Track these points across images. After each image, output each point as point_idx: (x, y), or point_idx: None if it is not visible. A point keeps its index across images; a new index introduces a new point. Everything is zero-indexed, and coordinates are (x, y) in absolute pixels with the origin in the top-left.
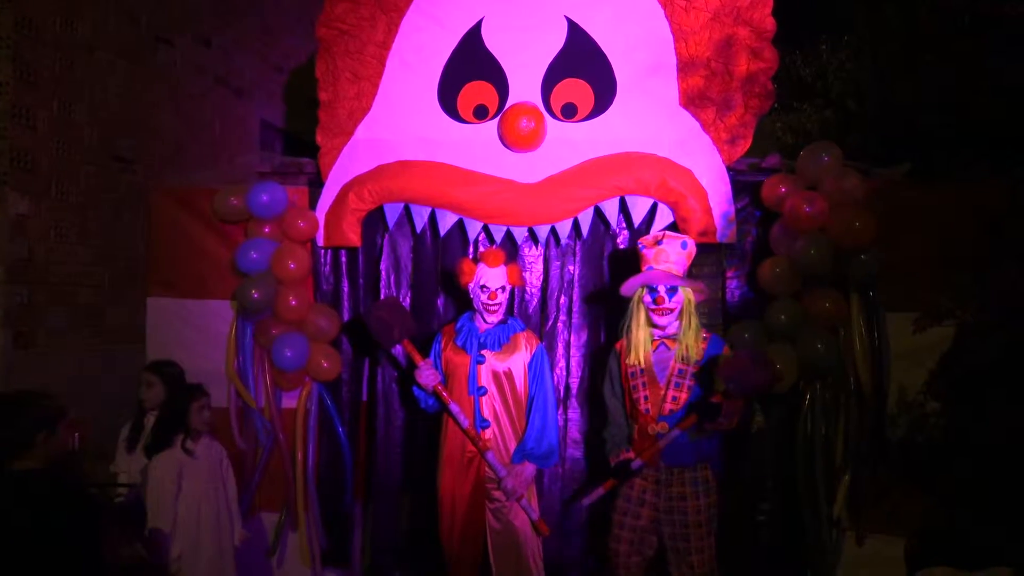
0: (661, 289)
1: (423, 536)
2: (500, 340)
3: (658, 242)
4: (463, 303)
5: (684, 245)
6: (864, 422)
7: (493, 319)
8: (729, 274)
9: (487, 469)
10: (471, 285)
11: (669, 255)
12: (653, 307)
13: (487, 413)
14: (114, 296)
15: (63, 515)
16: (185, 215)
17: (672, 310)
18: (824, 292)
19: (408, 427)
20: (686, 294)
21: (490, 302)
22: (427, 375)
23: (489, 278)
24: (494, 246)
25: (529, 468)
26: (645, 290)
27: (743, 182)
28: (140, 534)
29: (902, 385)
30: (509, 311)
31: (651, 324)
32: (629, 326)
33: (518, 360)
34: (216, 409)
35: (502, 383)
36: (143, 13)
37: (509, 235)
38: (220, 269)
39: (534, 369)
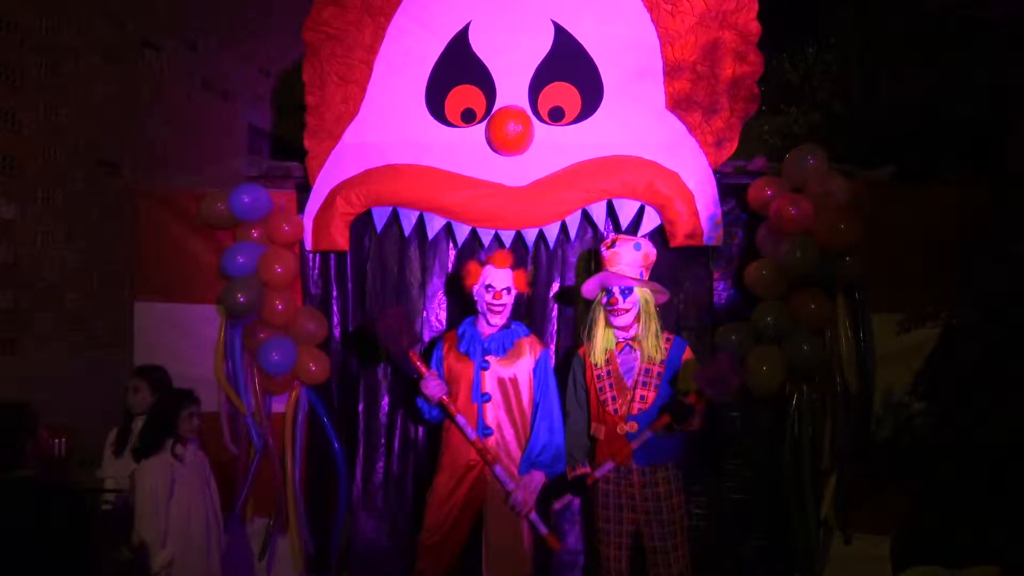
0: (615, 290)
1: (406, 541)
2: (504, 345)
3: (611, 246)
4: (452, 307)
5: (637, 247)
6: (850, 423)
7: (497, 321)
8: (716, 276)
9: (489, 476)
10: (476, 287)
11: (622, 257)
12: (609, 308)
13: (490, 421)
14: (101, 301)
15: (59, 521)
16: (172, 219)
17: (627, 310)
18: (810, 294)
19: (389, 432)
20: (643, 295)
21: (495, 302)
22: (433, 386)
23: (495, 278)
24: (503, 249)
25: (537, 477)
26: (603, 292)
27: (729, 185)
28: (128, 540)
29: (888, 386)
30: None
31: (611, 325)
32: (591, 329)
33: (523, 366)
34: (206, 414)
35: (507, 390)
36: (129, 17)
37: (498, 239)
38: (208, 273)
39: (539, 375)
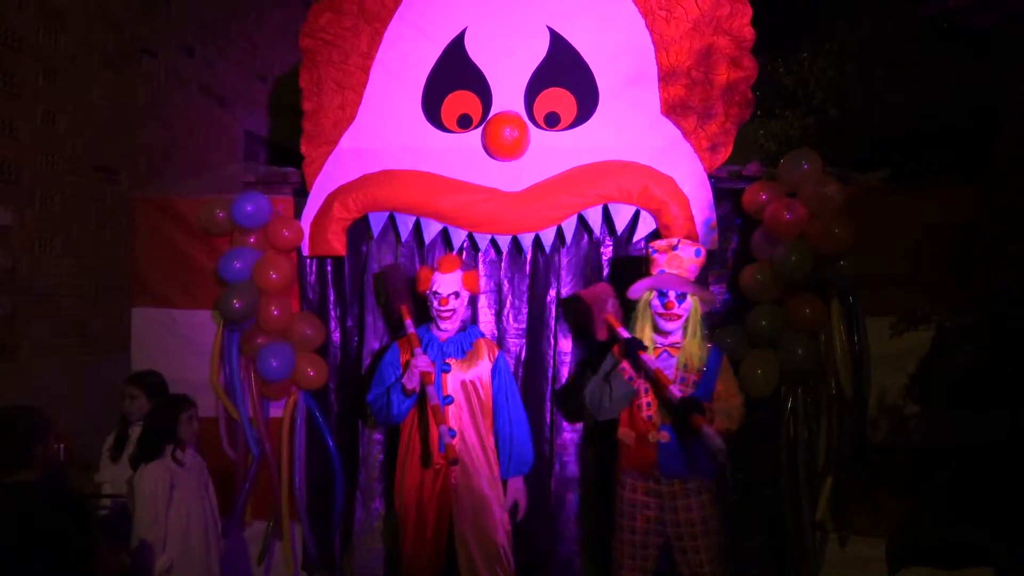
0: (671, 294)
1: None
2: (463, 347)
3: (673, 247)
4: None
5: (698, 253)
6: (845, 426)
7: (446, 326)
8: (711, 280)
9: (453, 478)
10: (427, 292)
11: (683, 260)
12: (662, 311)
13: (453, 423)
14: (99, 307)
15: (63, 526)
16: (170, 225)
17: (680, 316)
18: (804, 298)
19: (389, 438)
20: (694, 302)
21: (441, 308)
22: (424, 362)
23: (441, 284)
24: (453, 252)
25: (517, 484)
26: (654, 294)
27: (724, 189)
28: (126, 545)
29: (882, 389)
30: (496, 319)
31: (656, 330)
32: (632, 331)
33: (483, 367)
34: (204, 419)
35: (468, 392)
36: (126, 24)
37: (494, 243)
38: (205, 279)
39: (499, 375)
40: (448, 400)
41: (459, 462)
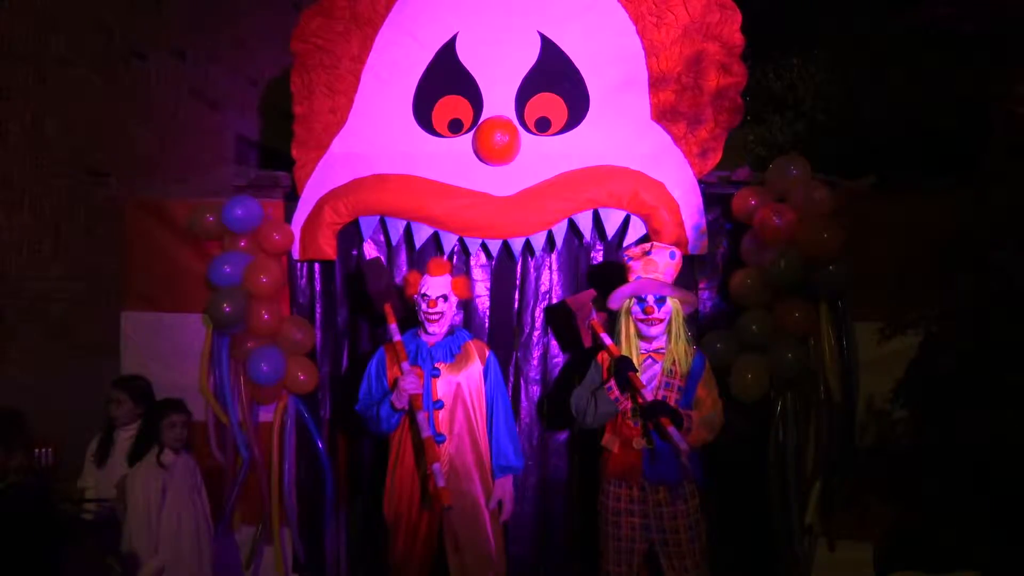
0: (650, 299)
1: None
2: (452, 351)
3: (646, 252)
4: None
5: (672, 255)
6: (834, 430)
7: (435, 329)
8: (701, 285)
9: (444, 483)
10: (416, 296)
11: (658, 265)
12: (642, 317)
13: (443, 427)
14: (88, 310)
15: (48, 528)
16: (160, 228)
17: (662, 320)
18: (794, 303)
19: (379, 443)
20: (674, 305)
21: (430, 310)
22: (412, 382)
23: (430, 286)
24: (443, 256)
25: (507, 484)
26: (633, 300)
27: (714, 194)
28: (115, 549)
29: (870, 393)
30: (486, 323)
31: (640, 336)
32: (616, 339)
33: (473, 370)
34: (195, 423)
35: (459, 395)
36: (117, 27)
37: (485, 247)
38: (196, 282)
39: (491, 377)
40: (438, 405)
41: (451, 466)
